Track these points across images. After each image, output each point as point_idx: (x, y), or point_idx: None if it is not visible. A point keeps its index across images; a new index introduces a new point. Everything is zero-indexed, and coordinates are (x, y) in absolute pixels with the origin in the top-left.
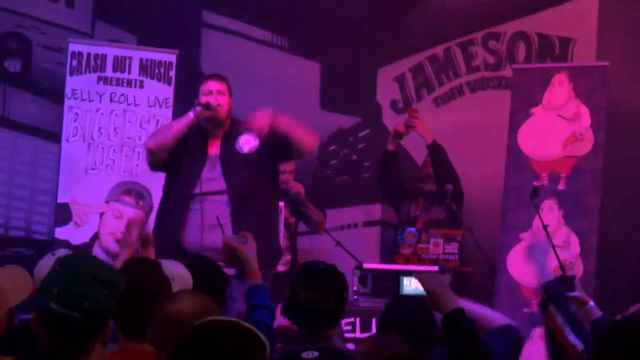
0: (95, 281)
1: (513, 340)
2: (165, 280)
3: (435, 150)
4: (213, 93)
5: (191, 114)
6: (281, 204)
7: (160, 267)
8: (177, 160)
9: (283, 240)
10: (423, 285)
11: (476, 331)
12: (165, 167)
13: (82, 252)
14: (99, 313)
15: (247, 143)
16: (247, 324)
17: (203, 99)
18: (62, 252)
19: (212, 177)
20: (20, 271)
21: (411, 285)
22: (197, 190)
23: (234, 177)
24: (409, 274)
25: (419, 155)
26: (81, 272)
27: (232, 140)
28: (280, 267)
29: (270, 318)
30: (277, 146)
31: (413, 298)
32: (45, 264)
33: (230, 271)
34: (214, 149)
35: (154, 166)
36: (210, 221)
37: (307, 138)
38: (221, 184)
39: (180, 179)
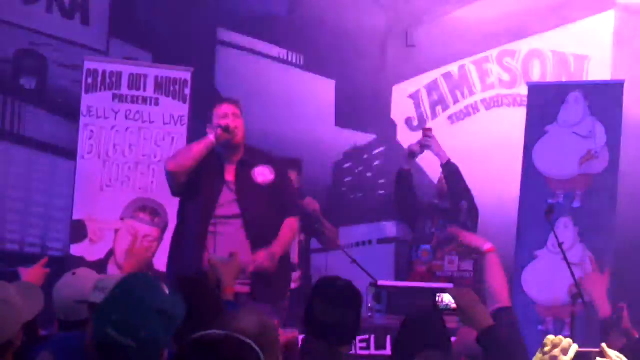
0: (155, 311)
1: (510, 321)
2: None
3: (450, 170)
4: (229, 116)
5: (211, 137)
6: None
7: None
8: (193, 184)
9: (294, 257)
10: (456, 302)
11: (512, 347)
12: (184, 190)
13: (145, 276)
14: (154, 343)
15: (262, 175)
16: (242, 337)
17: (222, 122)
18: (82, 271)
19: (228, 202)
20: (33, 287)
21: (443, 302)
22: (215, 213)
23: (249, 202)
24: (443, 291)
25: (434, 172)
26: (141, 301)
27: (247, 167)
28: (292, 284)
29: None
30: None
31: (427, 315)
32: (65, 284)
33: (244, 289)
34: (230, 174)
35: (175, 189)
36: (228, 245)
37: None
38: (236, 209)
39: (198, 203)
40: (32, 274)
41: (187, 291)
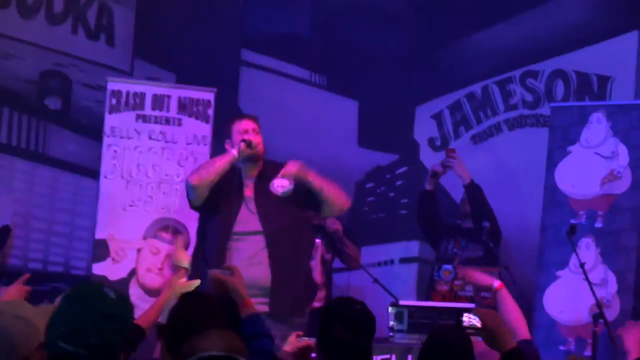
0: (101, 316)
1: (532, 353)
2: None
3: (473, 190)
4: (249, 132)
5: (234, 152)
6: (318, 240)
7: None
8: (214, 200)
9: (319, 277)
10: (482, 322)
11: None
12: (204, 205)
13: (89, 285)
14: (106, 348)
15: (281, 186)
16: (239, 357)
17: (246, 137)
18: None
19: (248, 218)
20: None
21: (469, 321)
22: (234, 230)
23: (269, 218)
24: (467, 310)
25: (457, 192)
26: (87, 308)
27: (265, 181)
28: (316, 304)
29: (271, 345)
30: (308, 199)
31: (450, 333)
32: None
33: (263, 308)
34: (249, 190)
35: (195, 202)
36: (248, 258)
37: (337, 198)
38: (257, 225)
39: (219, 220)
40: (13, 292)
41: (193, 307)
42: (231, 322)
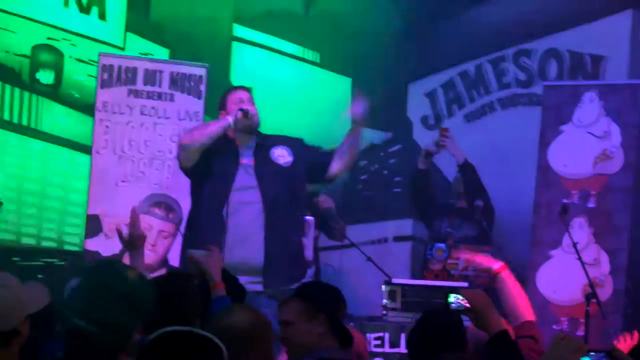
0: (119, 297)
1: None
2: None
3: (466, 170)
4: (245, 102)
5: (229, 118)
6: (311, 218)
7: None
8: (205, 165)
9: (311, 254)
10: (470, 303)
11: (520, 356)
12: (195, 171)
13: (111, 263)
14: (119, 328)
15: (282, 156)
16: (203, 332)
17: (243, 106)
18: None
19: (245, 187)
20: (36, 284)
21: (456, 301)
22: (230, 198)
23: (269, 188)
24: (456, 291)
25: (451, 171)
26: (104, 286)
27: (265, 151)
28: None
29: None
30: (312, 168)
31: (444, 313)
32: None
33: (258, 287)
34: (246, 158)
35: (184, 163)
36: (245, 230)
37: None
38: (255, 195)
39: (212, 187)
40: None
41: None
42: (205, 301)
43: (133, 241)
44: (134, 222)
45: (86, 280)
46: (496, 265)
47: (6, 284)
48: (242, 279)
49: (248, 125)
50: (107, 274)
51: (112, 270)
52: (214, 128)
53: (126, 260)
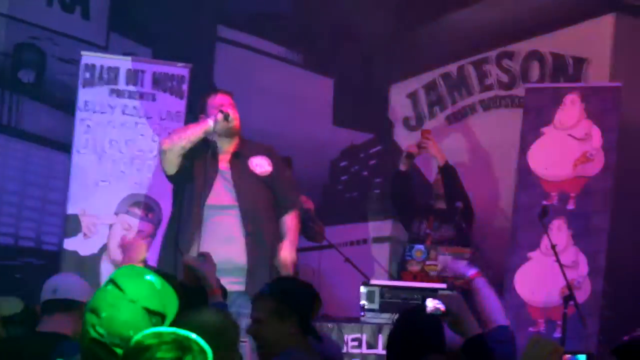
0: (145, 311)
1: (508, 341)
2: None
3: (447, 172)
4: (226, 106)
5: (209, 121)
6: None
7: None
8: (187, 169)
9: None
10: (446, 307)
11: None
12: (177, 174)
13: (137, 272)
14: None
15: (259, 166)
16: (186, 333)
17: (223, 109)
18: (64, 277)
19: (223, 191)
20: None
21: (432, 305)
22: (208, 202)
23: (246, 193)
24: (432, 294)
25: (431, 172)
26: (131, 299)
27: (242, 158)
28: None
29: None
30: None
31: (422, 314)
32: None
33: (239, 287)
34: (225, 164)
35: (168, 170)
36: (224, 234)
37: None
38: (232, 199)
39: (191, 190)
40: None
41: None
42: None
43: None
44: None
45: (110, 290)
46: (471, 271)
47: None
48: (225, 280)
49: (228, 128)
50: (138, 286)
51: (138, 281)
52: (194, 131)
53: (104, 260)
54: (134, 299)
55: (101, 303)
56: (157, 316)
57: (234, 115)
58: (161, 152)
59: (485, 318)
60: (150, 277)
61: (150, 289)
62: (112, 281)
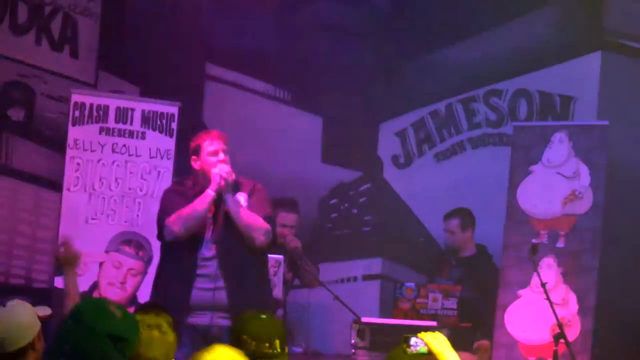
0: (108, 338)
1: None
2: None
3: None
4: (219, 153)
5: (211, 192)
6: (280, 257)
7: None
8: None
9: (281, 293)
10: (428, 347)
11: None
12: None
13: (95, 302)
14: None
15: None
16: None
17: (224, 173)
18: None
19: (208, 241)
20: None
21: (416, 345)
22: (202, 254)
23: (223, 241)
24: (415, 333)
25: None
26: (94, 328)
27: (221, 201)
28: None
29: None
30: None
31: (406, 354)
32: None
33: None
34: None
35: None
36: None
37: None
38: (213, 250)
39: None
40: None
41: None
42: None
43: (68, 259)
44: (67, 242)
45: (74, 321)
46: None
47: (18, 302)
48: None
49: (230, 184)
50: (94, 314)
51: (99, 310)
52: (201, 208)
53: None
54: (96, 327)
55: (64, 336)
56: (120, 341)
57: (229, 170)
58: (172, 235)
59: None
60: (107, 305)
61: (109, 316)
62: (72, 314)
